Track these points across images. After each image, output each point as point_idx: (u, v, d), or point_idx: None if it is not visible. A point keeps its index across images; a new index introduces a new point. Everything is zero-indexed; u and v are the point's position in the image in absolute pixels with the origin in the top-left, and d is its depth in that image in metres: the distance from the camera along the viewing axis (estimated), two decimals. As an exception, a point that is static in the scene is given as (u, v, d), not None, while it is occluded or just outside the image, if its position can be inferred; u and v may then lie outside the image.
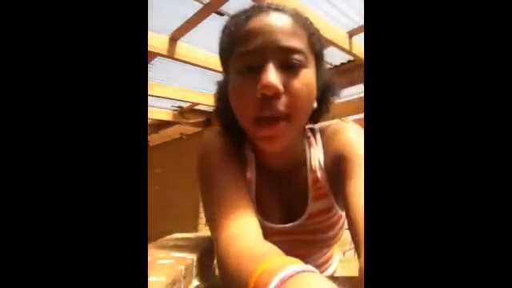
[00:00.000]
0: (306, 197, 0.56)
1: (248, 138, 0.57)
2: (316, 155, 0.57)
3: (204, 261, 0.56)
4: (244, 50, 0.45)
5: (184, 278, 0.44)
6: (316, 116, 0.57)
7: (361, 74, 2.47)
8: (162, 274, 0.39)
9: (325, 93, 0.55)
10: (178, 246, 0.60)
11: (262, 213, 0.55)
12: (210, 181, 0.51)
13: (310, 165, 0.57)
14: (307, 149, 0.58)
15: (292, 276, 0.28)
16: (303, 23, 0.47)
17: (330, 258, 0.69)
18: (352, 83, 2.57)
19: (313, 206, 0.56)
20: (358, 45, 2.12)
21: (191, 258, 0.49)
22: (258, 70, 0.44)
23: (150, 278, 0.36)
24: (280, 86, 0.43)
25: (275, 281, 0.28)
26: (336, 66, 2.59)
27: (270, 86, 0.42)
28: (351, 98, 2.99)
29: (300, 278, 0.28)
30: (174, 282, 0.39)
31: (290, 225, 0.56)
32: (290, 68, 0.45)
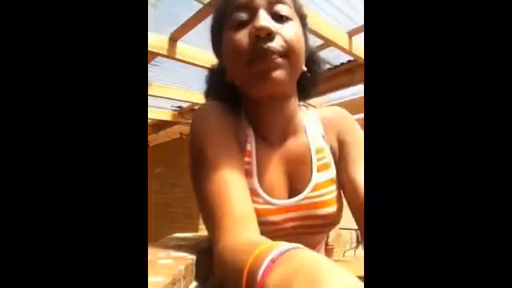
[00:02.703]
0: (310, 168, 0.56)
1: (244, 107, 0.57)
2: (317, 126, 0.59)
3: (204, 260, 0.55)
4: (235, 5, 0.49)
5: (184, 277, 0.44)
6: (305, 90, 0.60)
7: (361, 73, 2.47)
8: (162, 274, 0.39)
9: (311, 62, 0.58)
10: (178, 246, 0.60)
11: (266, 188, 0.54)
12: (206, 158, 0.49)
13: (312, 134, 0.58)
14: (305, 122, 0.59)
15: (282, 254, 0.28)
16: None
17: None
18: (352, 83, 2.57)
19: (317, 177, 0.55)
20: (358, 45, 2.12)
21: (191, 258, 0.49)
22: (250, 21, 0.48)
23: (150, 278, 0.36)
24: (273, 27, 0.46)
25: (266, 262, 0.28)
26: (336, 66, 2.58)
27: (263, 28, 0.45)
28: (351, 98, 2.99)
29: (290, 254, 0.28)
30: (174, 282, 0.39)
31: (295, 199, 0.54)
32: (280, 19, 0.49)
